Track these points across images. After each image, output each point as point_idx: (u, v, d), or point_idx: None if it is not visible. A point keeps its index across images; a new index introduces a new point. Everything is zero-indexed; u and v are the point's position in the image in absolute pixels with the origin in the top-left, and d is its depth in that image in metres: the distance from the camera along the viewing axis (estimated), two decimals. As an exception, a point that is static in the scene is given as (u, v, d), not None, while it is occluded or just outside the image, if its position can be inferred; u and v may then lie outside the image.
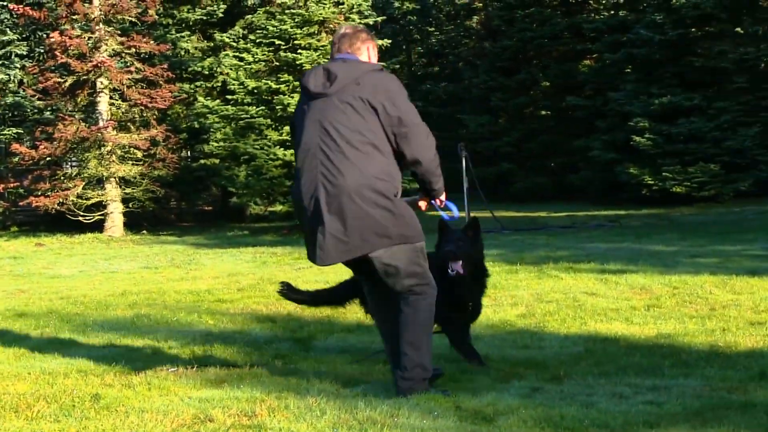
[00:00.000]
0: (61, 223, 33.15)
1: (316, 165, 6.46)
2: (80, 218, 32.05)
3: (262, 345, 9.31)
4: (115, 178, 32.22)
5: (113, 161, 31.94)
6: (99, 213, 32.23)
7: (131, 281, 16.46)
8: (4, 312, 12.60)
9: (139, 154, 32.18)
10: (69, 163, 35.50)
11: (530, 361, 8.09)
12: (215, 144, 29.84)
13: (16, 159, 33.77)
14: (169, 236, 30.14)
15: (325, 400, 6.71)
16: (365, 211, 6.33)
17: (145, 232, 31.88)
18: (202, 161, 33.82)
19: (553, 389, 6.94)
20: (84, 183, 32.09)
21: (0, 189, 34.80)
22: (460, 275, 7.58)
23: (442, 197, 6.96)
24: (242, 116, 29.31)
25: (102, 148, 31.81)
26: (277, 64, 29.48)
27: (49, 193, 31.99)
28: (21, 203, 34.40)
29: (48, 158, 32.47)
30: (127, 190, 32.37)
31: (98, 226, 32.29)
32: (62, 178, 32.80)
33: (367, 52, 6.75)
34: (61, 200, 31.64)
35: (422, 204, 7.04)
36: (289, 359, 8.56)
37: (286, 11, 29.09)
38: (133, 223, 32.70)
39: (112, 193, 32.25)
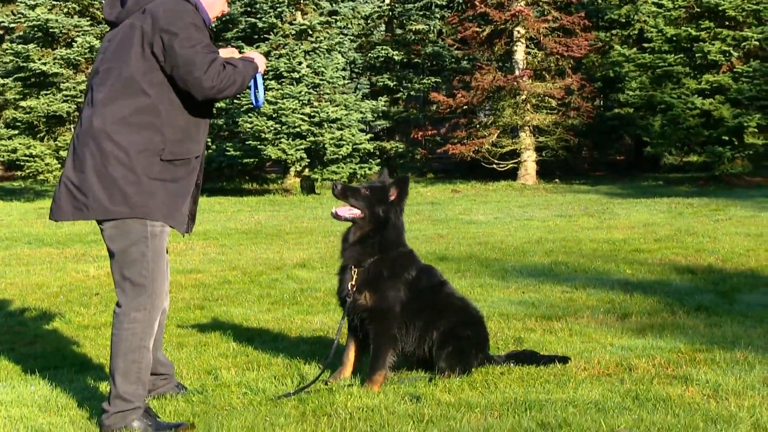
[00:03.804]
0: (476, 170, 34.34)
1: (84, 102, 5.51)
2: (494, 166, 33.01)
3: (683, 296, 9.19)
4: (529, 126, 32.84)
5: (528, 110, 32.54)
6: (512, 161, 33.03)
7: (546, 229, 16.75)
8: (425, 256, 13.24)
9: (554, 103, 32.54)
10: (484, 112, 36.59)
11: None
12: (630, 93, 29.52)
13: (434, 107, 35.31)
14: (582, 185, 30.30)
15: (753, 354, 6.56)
16: (103, 165, 5.24)
17: (557, 180, 32.27)
18: (617, 110, 33.56)
19: None
20: (498, 131, 32.97)
21: (419, 137, 36.52)
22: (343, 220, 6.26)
23: (258, 60, 5.66)
24: (659, 64, 28.73)
25: (517, 96, 32.49)
26: (698, 10, 28.58)
27: (465, 141, 33.18)
28: (438, 151, 35.98)
29: (464, 107, 33.66)
30: (541, 139, 32.88)
31: (511, 174, 33.10)
32: (478, 126, 33.87)
33: None
34: (476, 148, 32.72)
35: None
36: (712, 311, 8.41)
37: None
38: (546, 171, 33.19)
39: (526, 141, 32.91)
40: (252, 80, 5.64)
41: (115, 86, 5.29)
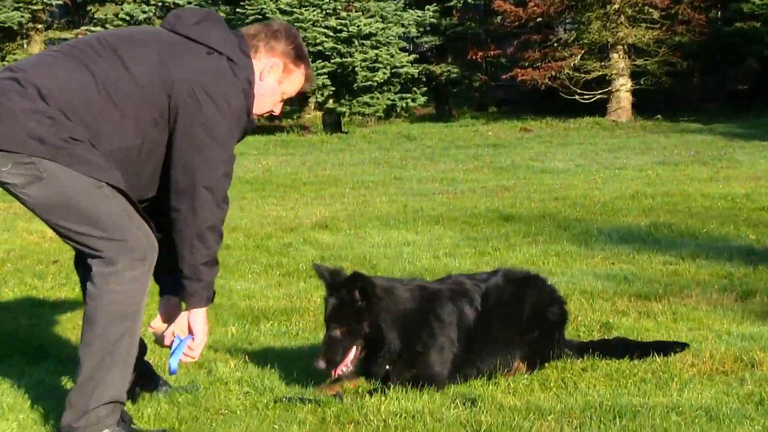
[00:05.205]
0: (553, 102, 34.17)
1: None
2: (576, 97, 32.82)
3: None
4: (623, 45, 32.59)
5: (621, 23, 32.28)
6: (601, 91, 32.81)
7: (644, 180, 16.71)
8: (485, 213, 13.27)
9: (656, 15, 32.23)
10: (564, 26, 36.36)
11: None
12: (757, 1, 29.18)
13: (499, 20, 35.10)
14: (691, 122, 30.11)
15: None
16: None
17: (659, 116, 32.09)
18: (738, 24, 33.21)
19: None
20: (583, 51, 32.75)
21: (478, 58, 36.36)
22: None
23: (197, 323, 5.55)
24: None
25: (608, 6, 32.21)
26: None
27: (538, 65, 33.00)
28: (503, 77, 35.82)
29: (538, 19, 33.43)
30: (639, 62, 32.62)
31: (600, 108, 32.93)
32: (555, 44, 33.66)
33: (260, 61, 5.70)
34: (553, 74, 32.54)
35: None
36: None
37: None
38: (645, 104, 32.99)
39: (619, 65, 32.67)
40: (179, 341, 5.58)
41: (104, 69, 5.25)
